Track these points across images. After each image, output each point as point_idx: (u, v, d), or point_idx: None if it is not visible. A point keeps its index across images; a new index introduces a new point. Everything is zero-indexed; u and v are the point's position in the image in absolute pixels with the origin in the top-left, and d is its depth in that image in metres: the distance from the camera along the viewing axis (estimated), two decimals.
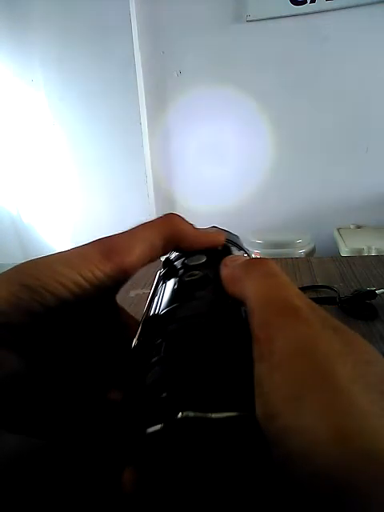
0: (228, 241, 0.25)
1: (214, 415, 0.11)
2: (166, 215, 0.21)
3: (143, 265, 0.19)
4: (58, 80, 1.65)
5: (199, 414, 0.11)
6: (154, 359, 0.14)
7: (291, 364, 0.11)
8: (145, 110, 1.65)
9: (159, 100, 1.65)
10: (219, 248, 0.23)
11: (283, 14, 1.41)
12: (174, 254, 0.24)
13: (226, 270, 0.18)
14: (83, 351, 0.19)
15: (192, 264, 0.21)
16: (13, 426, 0.16)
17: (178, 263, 0.22)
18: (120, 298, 0.20)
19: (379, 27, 1.37)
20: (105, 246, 0.18)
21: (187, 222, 0.21)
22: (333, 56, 1.44)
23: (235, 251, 0.23)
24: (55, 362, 0.17)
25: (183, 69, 1.58)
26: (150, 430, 0.11)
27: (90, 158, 1.75)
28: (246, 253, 0.25)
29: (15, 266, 0.17)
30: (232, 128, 1.62)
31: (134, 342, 0.16)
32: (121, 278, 0.18)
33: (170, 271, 0.21)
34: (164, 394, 0.12)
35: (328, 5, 1.37)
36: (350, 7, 1.36)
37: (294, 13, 1.40)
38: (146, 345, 0.15)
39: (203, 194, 1.72)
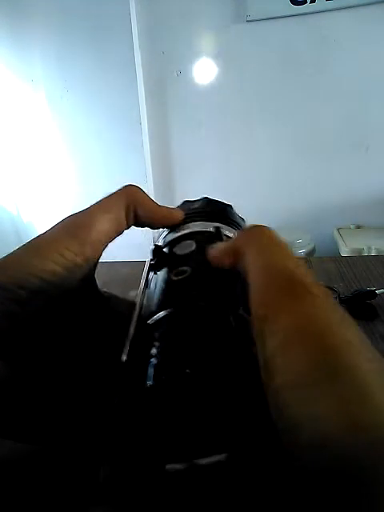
0: (228, 217, 0.24)
1: (200, 461, 0.10)
2: (124, 186, 0.20)
3: (111, 238, 0.19)
4: (58, 79, 1.65)
5: (185, 465, 0.10)
6: (142, 402, 0.13)
7: (300, 348, 0.10)
8: (145, 109, 1.65)
9: (159, 100, 1.65)
10: (211, 229, 0.22)
11: (283, 14, 1.41)
12: (161, 241, 0.23)
13: (214, 251, 0.18)
14: (72, 348, 0.18)
15: (181, 253, 0.20)
16: (1, 431, 0.16)
17: (166, 250, 0.22)
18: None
19: (379, 27, 1.37)
20: (69, 224, 0.17)
21: (145, 194, 0.21)
22: (333, 56, 1.44)
23: (227, 232, 0.22)
24: (42, 363, 0.16)
25: (183, 69, 1.58)
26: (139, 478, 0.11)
27: (90, 157, 1.75)
28: (241, 226, 0.24)
29: None
30: (232, 128, 1.62)
31: (123, 357, 0.15)
32: (90, 256, 0.17)
33: (159, 261, 0.21)
34: (149, 447, 0.11)
35: (328, 5, 1.36)
36: (349, 7, 1.36)
37: (294, 13, 1.40)
38: (134, 366, 0.15)
39: (203, 194, 1.71)
